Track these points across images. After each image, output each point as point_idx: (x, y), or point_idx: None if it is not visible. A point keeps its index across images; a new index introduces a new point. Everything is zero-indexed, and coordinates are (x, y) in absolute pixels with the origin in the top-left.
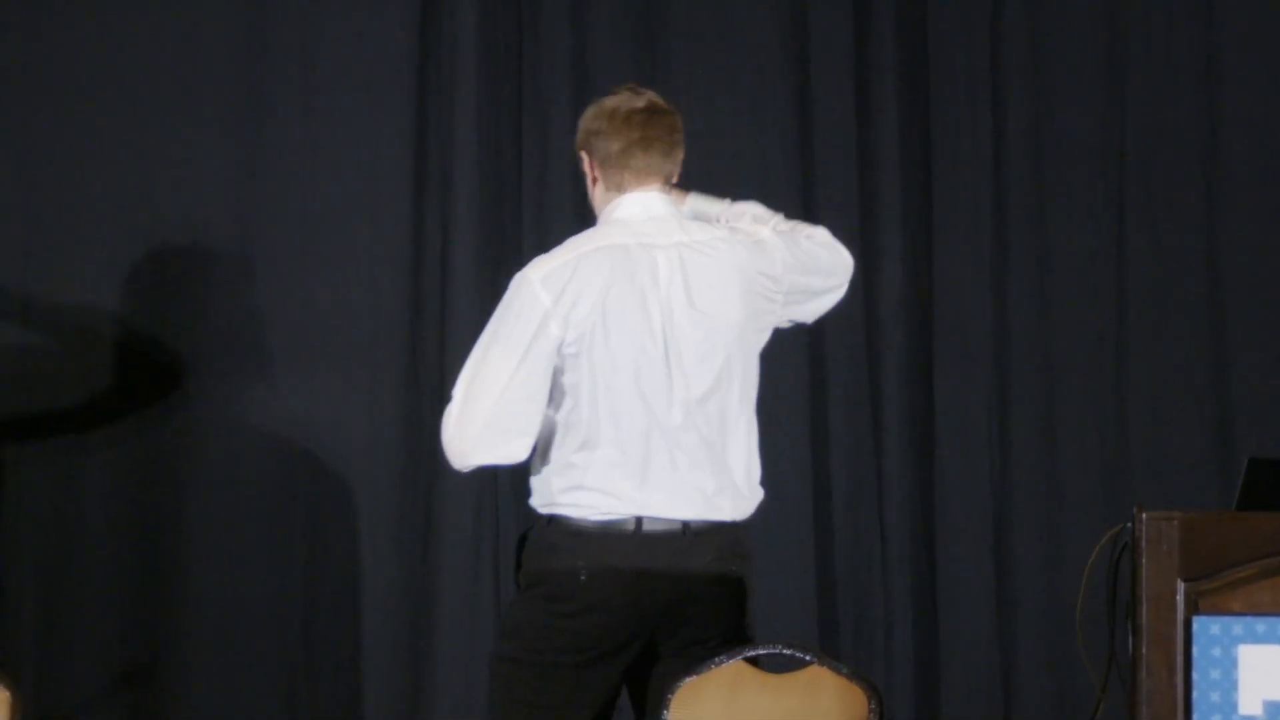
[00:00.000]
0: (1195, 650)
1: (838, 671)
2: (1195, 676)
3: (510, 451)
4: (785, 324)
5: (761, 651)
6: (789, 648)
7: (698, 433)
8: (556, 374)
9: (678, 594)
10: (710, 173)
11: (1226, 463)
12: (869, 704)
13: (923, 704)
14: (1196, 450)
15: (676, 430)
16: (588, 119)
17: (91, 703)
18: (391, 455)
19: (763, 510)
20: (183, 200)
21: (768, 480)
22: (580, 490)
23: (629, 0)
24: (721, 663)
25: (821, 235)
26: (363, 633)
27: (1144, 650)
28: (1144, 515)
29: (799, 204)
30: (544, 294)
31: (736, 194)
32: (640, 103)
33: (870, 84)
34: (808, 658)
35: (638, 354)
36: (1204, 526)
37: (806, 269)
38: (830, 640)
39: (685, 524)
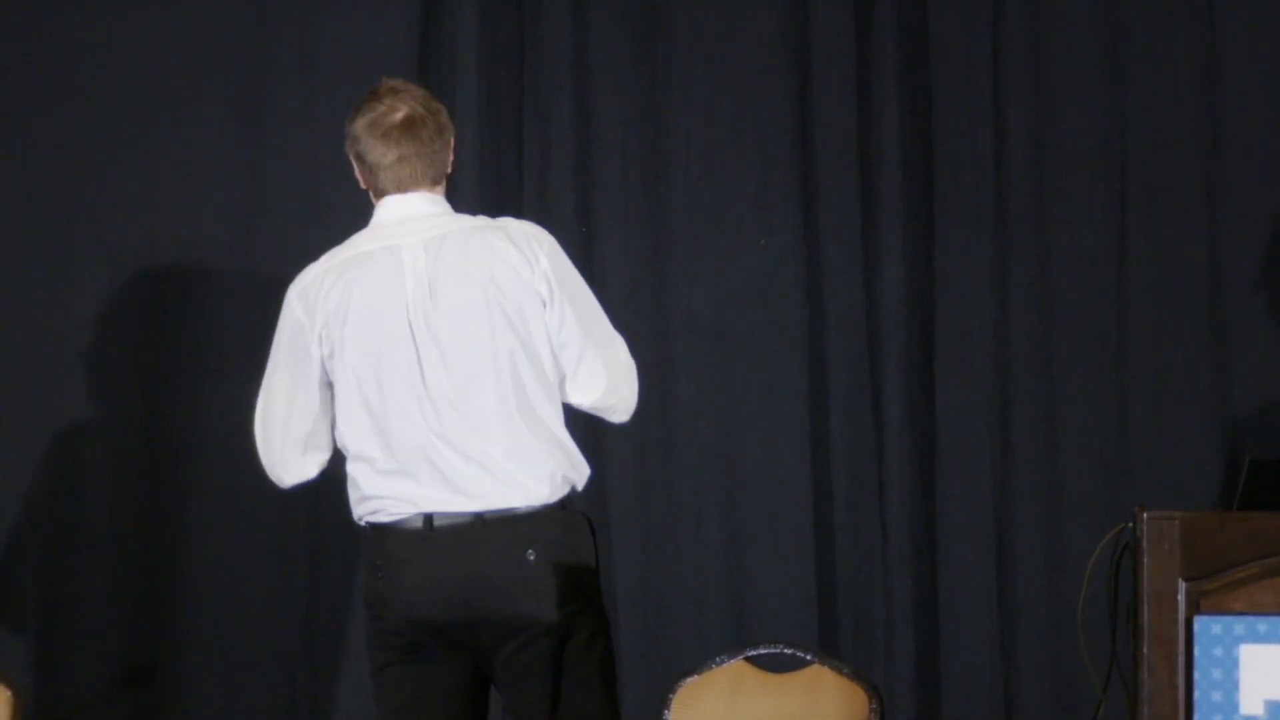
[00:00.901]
0: (1196, 650)
1: (838, 671)
2: (1196, 676)
3: (305, 468)
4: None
5: (762, 651)
6: (789, 648)
7: (466, 429)
8: (330, 388)
9: (472, 585)
10: (711, 173)
11: (1228, 463)
12: (869, 704)
13: (923, 704)
14: (1198, 451)
15: (441, 430)
16: (354, 126)
17: (91, 703)
18: None
19: (763, 510)
20: (183, 200)
21: (768, 480)
22: (367, 500)
23: (629, 0)
24: (722, 663)
25: (621, 350)
26: (363, 633)
27: (1145, 650)
28: (1145, 515)
29: (799, 204)
30: (300, 310)
31: (737, 194)
32: (399, 114)
33: (870, 84)
34: (808, 658)
35: (387, 361)
36: (1205, 526)
37: (576, 300)
38: (830, 640)
39: (477, 515)
